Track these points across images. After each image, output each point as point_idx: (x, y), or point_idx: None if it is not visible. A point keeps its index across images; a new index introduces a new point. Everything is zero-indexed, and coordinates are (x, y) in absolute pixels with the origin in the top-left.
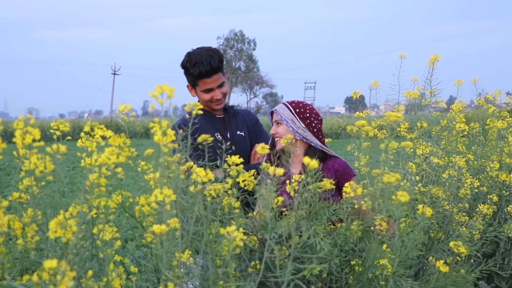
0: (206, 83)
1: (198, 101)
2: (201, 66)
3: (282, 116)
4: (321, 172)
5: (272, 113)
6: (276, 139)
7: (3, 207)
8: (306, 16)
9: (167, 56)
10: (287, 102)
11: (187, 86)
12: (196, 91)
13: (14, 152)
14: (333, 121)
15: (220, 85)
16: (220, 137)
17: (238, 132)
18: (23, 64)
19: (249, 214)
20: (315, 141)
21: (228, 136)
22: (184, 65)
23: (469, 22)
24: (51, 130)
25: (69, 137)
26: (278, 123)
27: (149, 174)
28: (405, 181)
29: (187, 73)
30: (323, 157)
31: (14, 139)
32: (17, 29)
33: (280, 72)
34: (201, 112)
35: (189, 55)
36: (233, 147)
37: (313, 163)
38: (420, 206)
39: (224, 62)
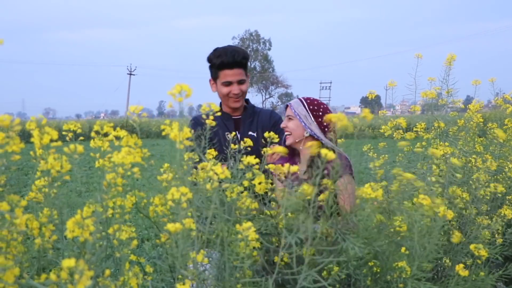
0: (226, 75)
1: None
2: (224, 57)
3: (296, 111)
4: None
5: (286, 106)
6: (286, 134)
7: (21, 206)
8: (321, 16)
9: (183, 56)
10: (303, 97)
11: (210, 80)
12: (217, 85)
13: (31, 153)
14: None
15: (240, 82)
16: (229, 137)
17: (250, 133)
18: (40, 65)
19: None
20: (325, 139)
21: (238, 136)
22: (208, 57)
23: (487, 20)
24: (64, 132)
25: (81, 138)
26: (290, 118)
27: (163, 174)
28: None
29: (210, 64)
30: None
31: (32, 139)
32: (34, 30)
33: (296, 72)
34: (219, 114)
35: (215, 49)
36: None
37: (330, 154)
38: (441, 209)
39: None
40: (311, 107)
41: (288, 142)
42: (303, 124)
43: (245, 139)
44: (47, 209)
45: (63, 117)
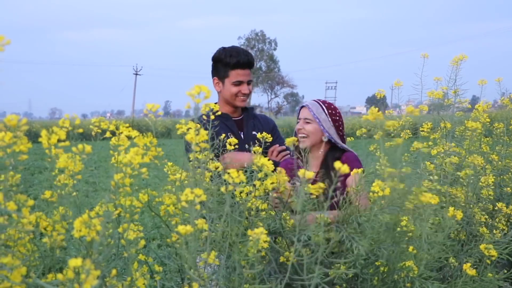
0: (239, 74)
1: (216, 103)
2: (239, 56)
3: (315, 114)
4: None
5: (301, 108)
6: (300, 136)
7: (28, 206)
8: (327, 16)
9: (188, 57)
10: (319, 100)
11: (213, 79)
12: (224, 84)
13: (47, 151)
14: (354, 121)
15: (249, 82)
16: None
17: (254, 133)
18: (46, 65)
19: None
20: (340, 143)
21: (242, 135)
22: (217, 56)
23: (492, 20)
24: (91, 126)
25: (108, 134)
26: (308, 121)
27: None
28: (426, 181)
29: (220, 63)
30: (340, 156)
31: (40, 139)
32: (39, 30)
33: (301, 72)
34: (219, 113)
35: (223, 48)
36: (246, 145)
37: (344, 168)
38: (451, 209)
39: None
40: (329, 111)
41: (303, 145)
42: (322, 128)
43: (231, 140)
44: (62, 208)
45: (78, 116)
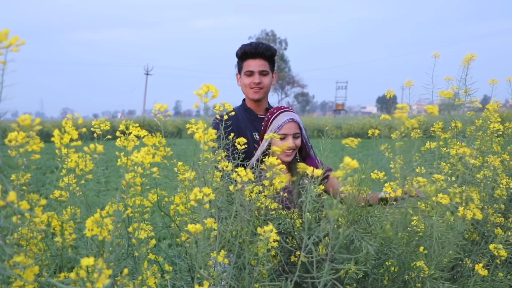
0: (249, 65)
1: (244, 99)
2: (247, 47)
3: (301, 125)
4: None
5: (286, 121)
6: (289, 152)
7: (41, 205)
8: (337, 16)
9: (199, 56)
10: (289, 109)
11: (236, 75)
12: (241, 78)
13: (57, 151)
14: (364, 120)
15: (262, 72)
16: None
17: None
18: (58, 65)
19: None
20: (309, 145)
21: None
22: (236, 52)
23: (504, 20)
24: (92, 129)
25: (109, 136)
26: (297, 136)
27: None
28: (440, 181)
29: (237, 57)
30: (305, 155)
31: (52, 139)
32: (51, 31)
33: (312, 71)
34: (233, 113)
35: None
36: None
37: (317, 172)
38: (460, 209)
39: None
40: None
41: (290, 158)
42: (305, 137)
43: (239, 139)
44: (70, 207)
45: (81, 116)
